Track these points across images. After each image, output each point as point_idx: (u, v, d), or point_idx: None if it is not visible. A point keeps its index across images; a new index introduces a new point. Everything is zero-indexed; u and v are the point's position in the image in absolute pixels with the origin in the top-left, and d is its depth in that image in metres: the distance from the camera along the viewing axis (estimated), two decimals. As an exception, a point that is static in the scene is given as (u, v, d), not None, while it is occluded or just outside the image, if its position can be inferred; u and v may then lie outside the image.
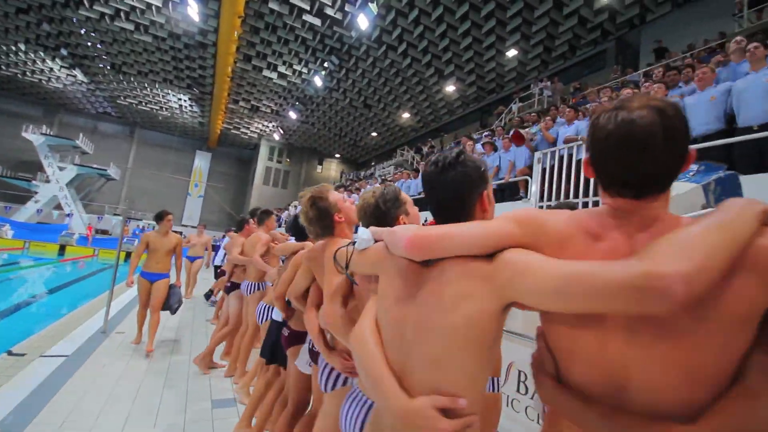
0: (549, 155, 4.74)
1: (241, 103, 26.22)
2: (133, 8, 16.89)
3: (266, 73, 21.19)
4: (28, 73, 25.18)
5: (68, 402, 2.93)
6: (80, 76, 24.79)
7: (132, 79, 24.36)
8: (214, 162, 37.18)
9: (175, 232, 4.97)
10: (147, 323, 4.53)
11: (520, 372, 2.23)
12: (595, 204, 4.09)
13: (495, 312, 0.81)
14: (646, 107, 0.70)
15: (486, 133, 10.64)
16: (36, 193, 26.43)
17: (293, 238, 3.23)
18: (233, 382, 3.63)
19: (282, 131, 31.15)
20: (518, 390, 2.22)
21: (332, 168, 36.69)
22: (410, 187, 8.44)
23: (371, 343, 0.96)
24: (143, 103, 28.85)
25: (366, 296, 1.34)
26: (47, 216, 26.10)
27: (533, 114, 9.12)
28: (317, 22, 16.35)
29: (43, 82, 26.39)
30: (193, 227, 28.45)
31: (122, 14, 17.40)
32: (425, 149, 18.34)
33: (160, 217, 4.59)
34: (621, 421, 0.68)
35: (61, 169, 27.18)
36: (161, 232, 4.59)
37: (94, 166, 28.79)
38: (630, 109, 0.71)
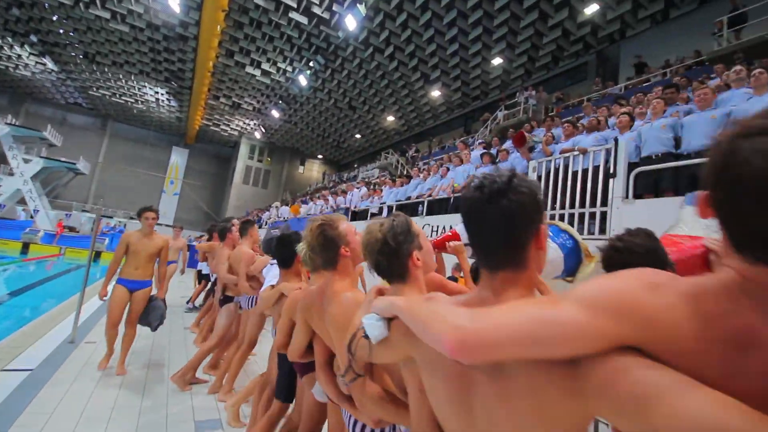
0: (544, 164, 4.72)
1: (222, 100, 25.56)
2: (110, -5, 16.19)
3: (249, 69, 20.72)
4: (-8, 59, 23.80)
5: (34, 425, 2.65)
6: (50, 65, 23.57)
7: (106, 69, 23.34)
8: (191, 159, 36.07)
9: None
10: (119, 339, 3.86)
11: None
12: (591, 216, 4.09)
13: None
14: None
15: (480, 141, 10.68)
16: (-2, 186, 24.90)
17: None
18: (218, 399, 3.39)
19: (263, 130, 30.56)
20: None
21: (314, 169, 36.26)
22: (398, 194, 8.32)
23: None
24: (117, 95, 27.71)
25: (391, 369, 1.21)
26: (10, 211, 24.61)
27: (527, 125, 9.20)
28: (304, 20, 16.10)
29: (10, 69, 24.96)
30: (168, 226, 27.45)
31: (98, 1, 16.62)
32: (410, 152, 18.34)
33: (138, 214, 3.94)
34: None
35: (26, 161, 25.68)
36: (143, 233, 3.91)
37: (62, 159, 27.38)
38: None
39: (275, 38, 17.68)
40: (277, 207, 18.51)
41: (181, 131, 33.52)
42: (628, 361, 0.55)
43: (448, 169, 7.39)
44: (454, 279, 4.15)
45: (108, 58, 21.76)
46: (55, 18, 18.22)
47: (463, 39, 15.56)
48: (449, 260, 2.16)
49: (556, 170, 4.51)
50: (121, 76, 24.26)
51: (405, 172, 15.03)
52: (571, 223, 4.29)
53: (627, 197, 3.76)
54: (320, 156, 35.45)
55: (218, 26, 16.47)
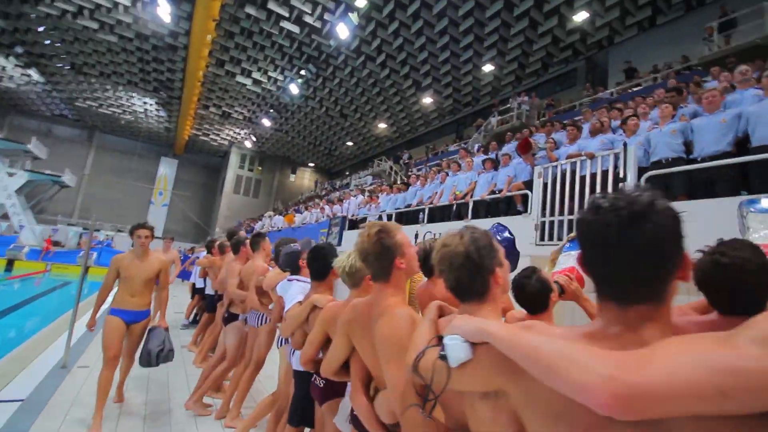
0: (550, 169, 4.67)
1: (212, 109, 25.32)
2: (99, 6, 15.95)
3: (240, 78, 20.59)
4: (-25, 70, 23.24)
5: (26, 462, 2.45)
6: (36, 76, 23.12)
7: (93, 80, 22.98)
8: (180, 169, 35.59)
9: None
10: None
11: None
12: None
13: None
14: None
15: (479, 146, 10.67)
16: (-21, 200, 24.16)
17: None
18: (225, 425, 3.20)
19: (254, 139, 30.34)
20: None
21: (306, 177, 36.06)
22: (396, 201, 8.20)
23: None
24: (104, 106, 27.28)
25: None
26: (-8, 227, 23.89)
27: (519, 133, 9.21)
28: (296, 29, 16.06)
29: (-6, 81, 24.46)
30: (158, 238, 26.87)
31: (86, 12, 16.38)
32: (404, 159, 18.31)
33: (130, 232, 3.37)
34: None
35: (10, 175, 25.01)
36: (136, 254, 3.32)
37: (47, 172, 26.73)
38: None
39: (266, 47, 17.60)
40: (270, 216, 18.26)
41: (170, 141, 33.09)
42: None
43: (447, 175, 7.33)
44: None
45: (95, 68, 21.43)
46: (41, 29, 17.90)
47: (455, 47, 15.67)
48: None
49: (563, 175, 4.46)
50: (108, 87, 23.89)
51: (399, 179, 14.96)
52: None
53: (638, 202, 3.71)
54: (311, 164, 35.28)
55: (209, 36, 16.34)
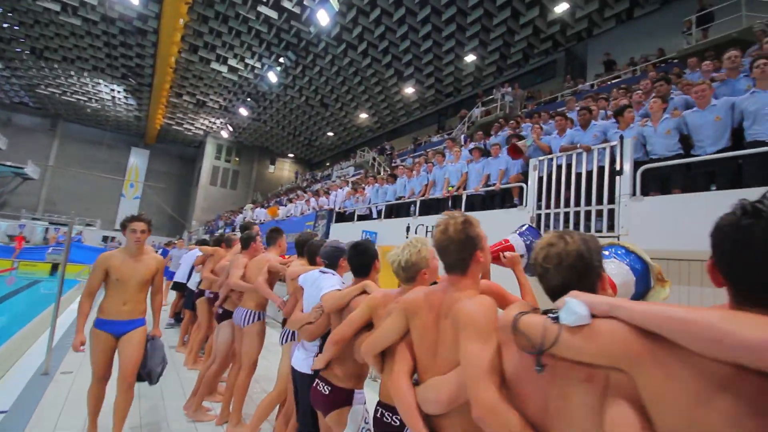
0: (546, 162, 4.69)
1: (185, 97, 24.34)
2: (60, -14, 14.94)
3: (215, 65, 19.81)
4: None
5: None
6: (-10, 61, 21.57)
7: (56, 65, 21.62)
8: (152, 160, 34.22)
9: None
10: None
11: None
12: (598, 214, 4.09)
13: None
14: None
15: (465, 136, 10.66)
16: (-68, 195, 22.57)
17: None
18: (227, 431, 3.09)
19: (231, 128, 29.45)
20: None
21: (285, 168, 35.39)
22: (387, 193, 8.11)
23: None
24: (68, 93, 25.78)
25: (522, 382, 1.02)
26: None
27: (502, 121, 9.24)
28: (274, 14, 15.52)
29: (-56, 66, 22.65)
30: (130, 232, 25.83)
31: (45, -8, 15.30)
32: (388, 149, 18.19)
33: (122, 226, 2.82)
34: None
35: (-35, 167, 23.46)
36: (130, 252, 2.79)
37: (8, 163, 25.16)
38: None
39: (243, 33, 16.96)
40: (251, 209, 17.83)
41: (141, 131, 31.70)
42: None
43: (433, 165, 7.27)
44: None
45: (58, 53, 20.13)
46: (-4, 10, 16.63)
47: (437, 36, 15.55)
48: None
49: (558, 168, 4.49)
50: (72, 73, 22.55)
51: (383, 170, 14.84)
52: (576, 221, 4.28)
53: (634, 194, 3.77)
54: (291, 155, 34.62)
55: (181, 19, 15.57)
